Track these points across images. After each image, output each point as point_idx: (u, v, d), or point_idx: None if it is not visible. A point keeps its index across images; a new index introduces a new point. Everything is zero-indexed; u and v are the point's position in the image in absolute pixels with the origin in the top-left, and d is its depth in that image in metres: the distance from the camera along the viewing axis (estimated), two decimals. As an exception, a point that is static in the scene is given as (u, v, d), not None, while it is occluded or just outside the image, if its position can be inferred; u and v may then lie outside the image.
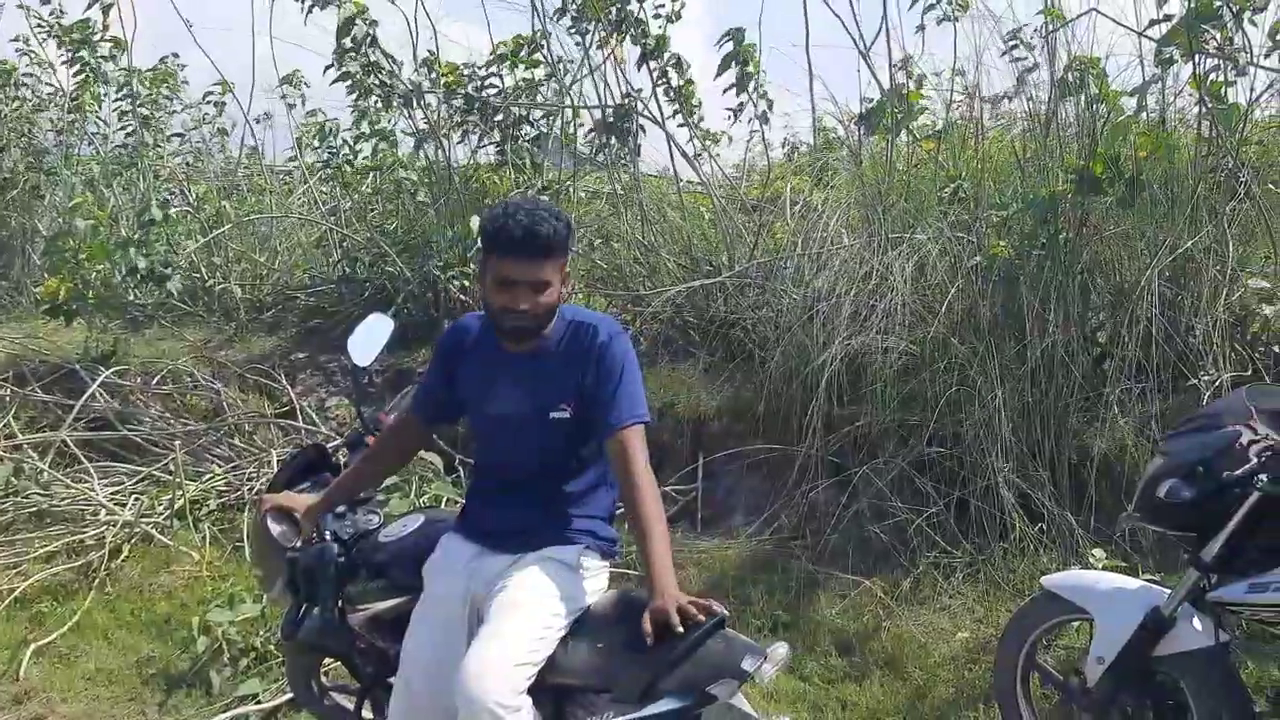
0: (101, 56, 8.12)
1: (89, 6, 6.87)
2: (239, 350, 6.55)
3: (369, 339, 3.18)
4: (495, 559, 2.57)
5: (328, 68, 6.25)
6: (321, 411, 6.03)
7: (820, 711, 3.62)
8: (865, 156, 5.81)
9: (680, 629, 2.24)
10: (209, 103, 9.03)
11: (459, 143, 6.91)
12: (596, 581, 2.60)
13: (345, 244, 7.19)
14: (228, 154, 9.62)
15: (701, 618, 2.25)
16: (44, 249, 7.35)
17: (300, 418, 5.78)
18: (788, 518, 4.81)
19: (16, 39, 8.57)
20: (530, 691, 2.34)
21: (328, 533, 2.91)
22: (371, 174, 7.20)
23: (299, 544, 2.89)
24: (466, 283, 6.41)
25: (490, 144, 6.67)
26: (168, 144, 8.85)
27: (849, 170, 5.97)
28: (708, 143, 6.40)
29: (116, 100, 8.44)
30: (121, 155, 8.43)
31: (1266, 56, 4.52)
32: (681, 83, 5.99)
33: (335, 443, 3.08)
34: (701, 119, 6.24)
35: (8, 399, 5.64)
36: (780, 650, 2.28)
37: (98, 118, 8.81)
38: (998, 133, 5.90)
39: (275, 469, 5.18)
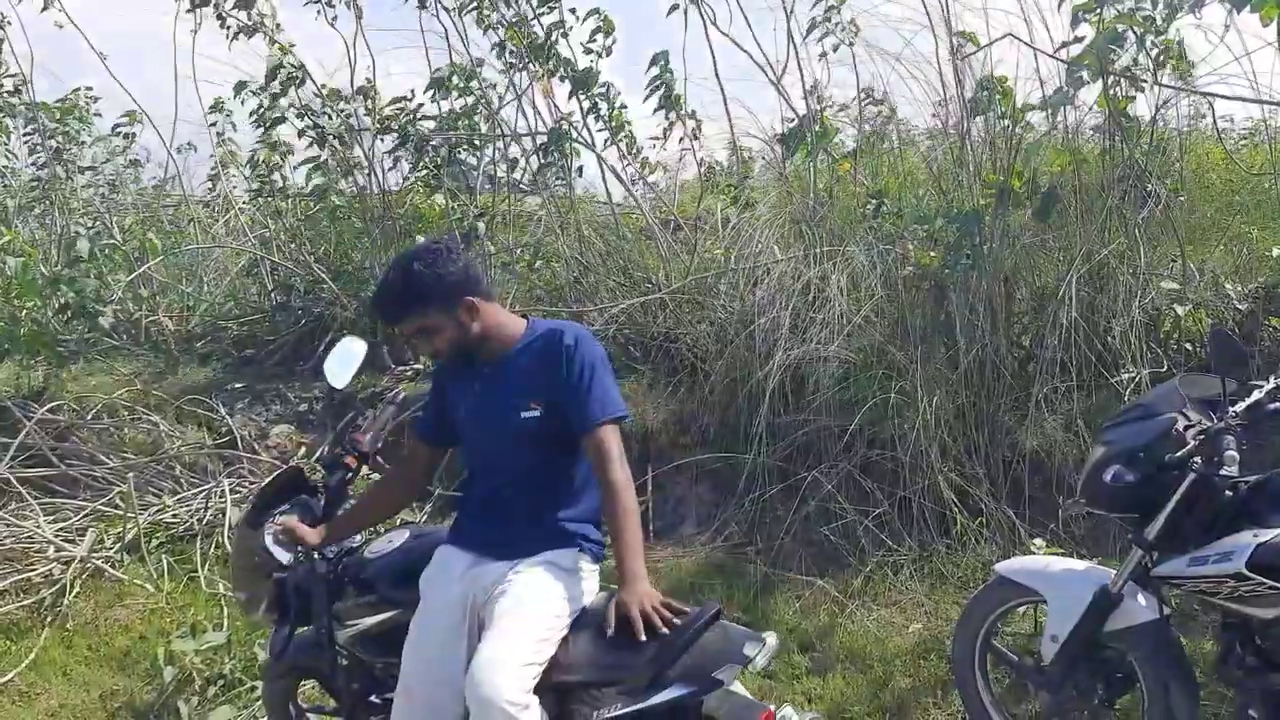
0: (5, 91, 7.95)
1: None
2: (173, 383, 6.47)
3: (344, 362, 3.23)
4: (493, 566, 2.66)
5: (254, 113, 6.27)
6: (262, 440, 6.00)
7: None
8: (789, 175, 6.06)
9: (641, 636, 2.37)
10: (118, 134, 8.87)
11: (390, 169, 6.98)
12: (591, 583, 2.70)
13: (277, 273, 7.16)
14: (141, 185, 9.47)
15: (665, 630, 2.37)
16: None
17: (241, 446, 5.75)
18: (738, 524, 4.97)
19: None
20: (535, 690, 2.43)
21: (314, 552, 2.96)
22: (302, 202, 7.18)
23: (288, 566, 2.93)
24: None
25: (424, 169, 6.74)
26: (80, 176, 8.67)
27: (775, 188, 6.20)
28: (642, 169, 6.57)
29: (25, 134, 8.27)
30: (34, 189, 8.26)
31: (1163, 73, 4.87)
32: (611, 112, 6.16)
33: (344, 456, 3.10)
34: (637, 148, 6.42)
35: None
36: (772, 639, 2.41)
37: (7, 151, 8.60)
38: (909, 150, 6.21)
39: (224, 498, 5.17)
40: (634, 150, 6.48)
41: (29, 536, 4.81)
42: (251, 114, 6.72)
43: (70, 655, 4.22)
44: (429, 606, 2.67)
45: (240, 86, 6.48)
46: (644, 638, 2.37)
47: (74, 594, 4.50)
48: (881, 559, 4.51)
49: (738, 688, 2.41)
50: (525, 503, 2.71)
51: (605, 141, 6.26)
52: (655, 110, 6.20)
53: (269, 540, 2.93)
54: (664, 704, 2.31)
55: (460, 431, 2.84)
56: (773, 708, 2.35)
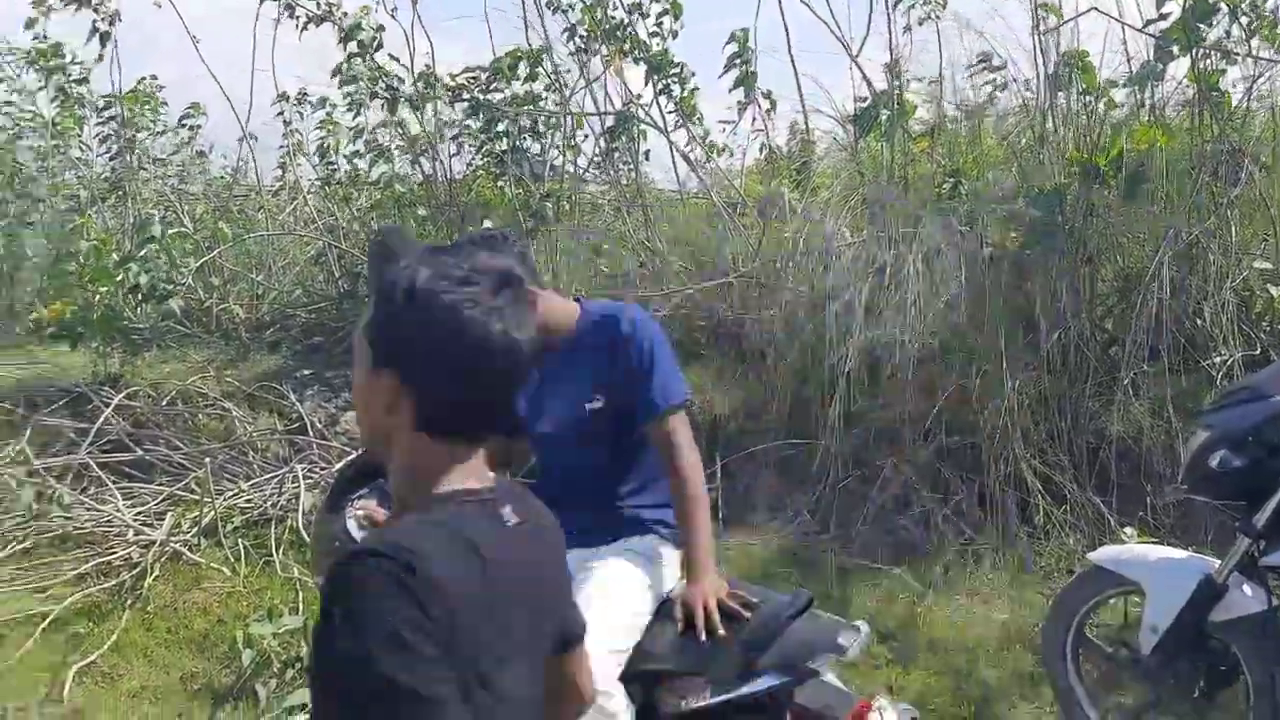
0: (74, 80, 8.08)
1: (90, 37, 6.75)
2: (243, 370, 6.53)
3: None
4: (570, 555, 2.60)
5: (334, 74, 6.26)
6: (331, 426, 6.02)
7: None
8: (861, 156, 5.93)
9: (702, 634, 2.31)
10: (184, 125, 8.97)
11: (454, 155, 6.98)
12: (672, 569, 2.64)
13: (344, 260, 7.20)
14: (208, 175, 9.58)
15: (746, 614, 2.32)
16: (47, 272, 7.28)
17: (311, 433, 5.78)
18: (810, 512, 4.88)
19: (-12, 67, 8.49)
20: (620, 679, 2.38)
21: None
22: (368, 189, 7.21)
23: None
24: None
25: (487, 156, 6.72)
26: (151, 167, 8.80)
27: (846, 169, 6.08)
28: (710, 152, 6.47)
29: (98, 125, 8.40)
30: (106, 179, 8.39)
31: (1256, 45, 4.68)
32: (683, 94, 6.05)
33: None
34: (706, 131, 6.32)
35: (19, 423, 5.59)
36: (865, 628, 2.34)
37: (80, 143, 8.74)
38: (990, 128, 6.04)
39: (297, 484, 5.19)
40: (703, 132, 6.36)
41: (108, 521, 4.88)
42: (341, 83, 6.67)
43: (150, 637, 4.26)
44: (508, 593, 2.64)
45: (337, 71, 6.45)
46: (704, 636, 2.31)
47: (153, 577, 4.55)
48: (961, 548, 4.41)
49: (830, 678, 2.34)
50: (598, 493, 2.64)
51: (675, 123, 6.16)
52: (731, 89, 6.06)
53: (351, 524, 2.91)
54: (755, 694, 2.24)
55: (526, 424, 2.79)
56: (868, 698, 2.27)
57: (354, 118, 6.80)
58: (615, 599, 2.45)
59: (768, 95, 6.18)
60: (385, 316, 1.41)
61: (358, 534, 2.91)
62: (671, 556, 2.67)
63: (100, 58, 6.91)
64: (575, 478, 2.67)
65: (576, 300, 2.74)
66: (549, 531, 1.60)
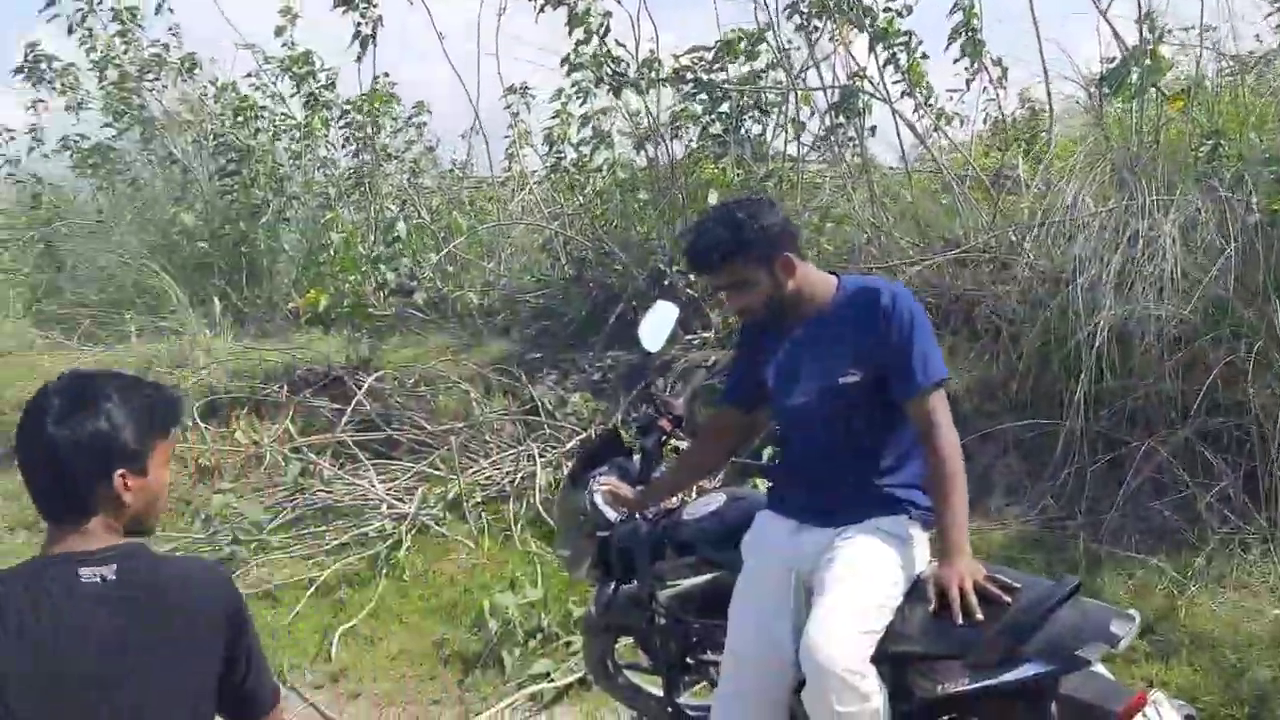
0: (322, 86, 8.64)
1: (353, 40, 7.14)
2: (477, 354, 6.84)
3: (658, 325, 3.25)
4: (817, 533, 2.58)
5: (564, 60, 6.43)
6: (560, 407, 6.21)
7: (1126, 692, 3.47)
8: (1107, 120, 5.56)
9: (959, 617, 2.24)
10: (411, 124, 9.43)
11: (674, 138, 7.02)
12: (923, 550, 2.58)
13: (570, 247, 7.40)
14: (440, 169, 10.07)
15: (1005, 598, 2.25)
16: (302, 263, 7.86)
17: (543, 414, 5.99)
18: (1054, 497, 4.64)
19: (249, 75, 9.21)
20: (872, 660, 2.34)
21: (636, 513, 3.00)
22: (593, 176, 7.37)
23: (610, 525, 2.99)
24: (692, 277, 6.51)
25: (709, 139, 6.73)
26: (388, 163, 9.32)
27: (1090, 134, 5.72)
28: (939, 120, 6.23)
29: (341, 126, 8.96)
30: (349, 176, 8.96)
31: None
32: (911, 62, 5.83)
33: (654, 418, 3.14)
34: (933, 96, 6.08)
35: (284, 404, 6.08)
36: (1137, 617, 2.20)
37: (327, 142, 9.37)
38: (1256, 85, 5.55)
39: (533, 462, 5.39)
40: (930, 101, 6.11)
41: (364, 495, 5.23)
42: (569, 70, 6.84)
43: (405, 604, 4.55)
44: (753, 572, 2.64)
45: (565, 60, 6.64)
46: (960, 619, 2.24)
47: (405, 548, 4.84)
48: (1226, 537, 4.08)
49: (1100, 668, 2.22)
50: (849, 469, 2.61)
51: (901, 93, 5.96)
52: (957, 60, 5.82)
53: (598, 499, 2.99)
54: (1017, 682, 2.15)
55: (771, 396, 2.77)
56: (1144, 691, 2.14)
57: (580, 105, 6.95)
58: (866, 578, 2.42)
59: (998, 62, 5.88)
60: None
61: (605, 509, 2.99)
62: (921, 538, 2.60)
63: (360, 58, 7.27)
64: (824, 454, 2.64)
65: (833, 274, 2.70)
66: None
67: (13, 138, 10.21)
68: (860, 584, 2.40)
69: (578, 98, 6.79)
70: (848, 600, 2.37)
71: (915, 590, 2.46)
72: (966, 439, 4.89)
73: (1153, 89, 5.08)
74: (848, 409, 2.58)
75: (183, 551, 4.66)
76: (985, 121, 7.32)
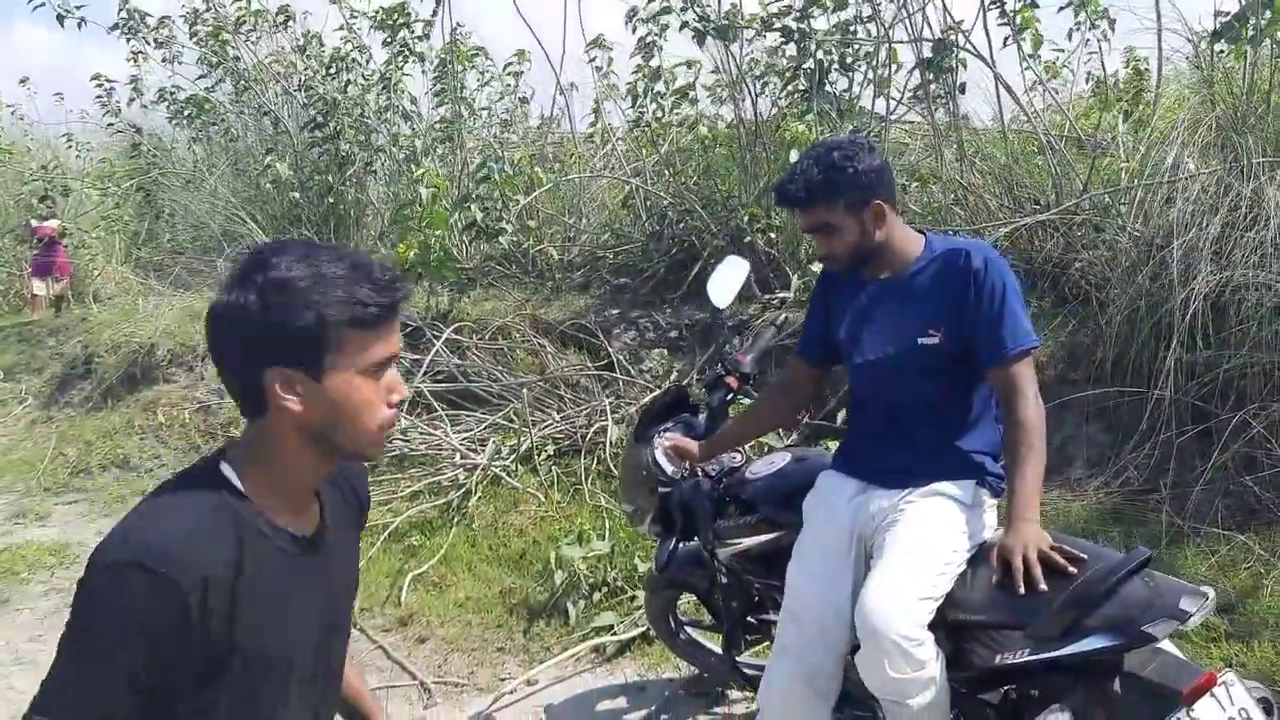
0: (417, 37, 8.70)
1: None
2: (556, 309, 6.86)
3: (726, 281, 3.22)
4: (881, 495, 2.53)
5: (628, 20, 6.35)
6: (636, 363, 6.21)
7: (1202, 671, 3.36)
8: (1214, 78, 5.28)
9: (1021, 587, 2.17)
10: (509, 73, 9.47)
11: (759, 94, 6.90)
12: (990, 517, 2.51)
13: (650, 202, 7.35)
14: (528, 124, 10.09)
15: (1071, 569, 2.17)
16: (393, 217, 7.95)
17: (617, 369, 6.00)
18: (1138, 469, 4.49)
19: (341, 27, 9.31)
20: (930, 627, 2.29)
21: (697, 469, 2.98)
22: (675, 131, 7.29)
23: (676, 480, 2.98)
24: (772, 234, 6.42)
25: (793, 94, 6.59)
26: (476, 118, 9.37)
27: (1195, 93, 5.45)
28: (1047, 72, 5.92)
29: (432, 79, 9.02)
30: (437, 130, 9.03)
31: None
32: (1021, 7, 5.53)
33: (718, 374, 3.12)
34: (1041, 45, 5.77)
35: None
36: (1211, 594, 2.11)
37: (413, 96, 9.45)
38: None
39: (605, 417, 5.41)
40: (1037, 51, 5.80)
41: (439, 445, 5.31)
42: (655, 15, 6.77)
43: (474, 553, 4.62)
44: (814, 531, 2.60)
45: (632, 13, 6.58)
46: (1023, 589, 2.17)
47: (476, 498, 4.91)
48: (1320, 515, 3.90)
49: (1168, 646, 2.13)
50: (925, 431, 2.54)
51: (1004, 41, 5.68)
52: (1060, 10, 5.51)
53: (659, 454, 2.98)
54: (1079, 655, 2.08)
55: (844, 353, 2.71)
56: (1215, 671, 2.05)
57: (656, 57, 6.87)
58: (928, 543, 2.36)
59: (1104, 13, 5.58)
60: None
61: (666, 464, 2.98)
62: (990, 505, 2.54)
63: (435, 14, 7.32)
64: (898, 413, 2.58)
65: (921, 232, 2.62)
66: None
67: (113, 89, 10.54)
68: (921, 549, 2.35)
69: (659, 45, 6.69)
70: (907, 565, 2.32)
71: (979, 557, 2.40)
72: (1049, 405, 4.84)
73: (1268, 42, 4.81)
74: (923, 371, 2.52)
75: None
76: (1087, 80, 7.04)
